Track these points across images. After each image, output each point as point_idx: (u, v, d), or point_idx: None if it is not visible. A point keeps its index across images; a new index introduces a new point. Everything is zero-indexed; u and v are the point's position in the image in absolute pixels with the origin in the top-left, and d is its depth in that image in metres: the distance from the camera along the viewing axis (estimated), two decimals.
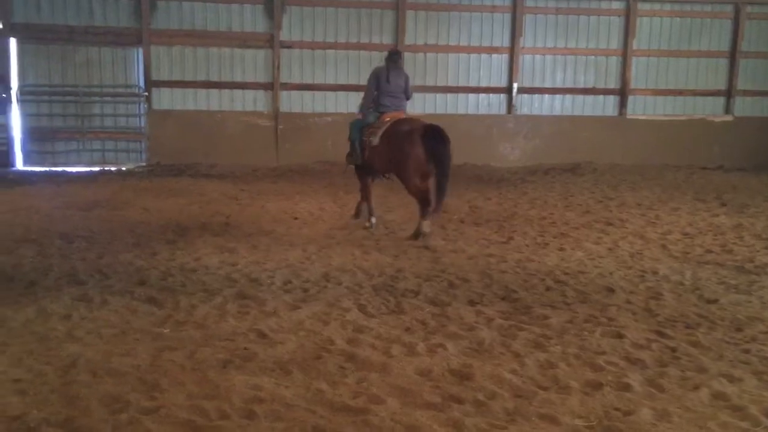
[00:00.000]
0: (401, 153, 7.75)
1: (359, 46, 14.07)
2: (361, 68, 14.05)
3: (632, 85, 15.01)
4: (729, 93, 15.23)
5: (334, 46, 14.07)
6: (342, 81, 14.18)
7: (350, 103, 14.06)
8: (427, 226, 7.70)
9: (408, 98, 8.69)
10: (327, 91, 14.21)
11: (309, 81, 14.20)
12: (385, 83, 8.40)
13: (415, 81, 14.33)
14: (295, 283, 5.99)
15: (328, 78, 14.14)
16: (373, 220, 8.50)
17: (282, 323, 4.91)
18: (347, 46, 14.02)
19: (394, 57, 8.50)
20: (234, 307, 5.28)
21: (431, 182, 7.73)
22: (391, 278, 6.18)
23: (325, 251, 7.20)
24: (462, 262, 6.82)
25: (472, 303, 5.48)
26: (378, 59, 14.09)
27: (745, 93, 15.30)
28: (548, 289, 5.93)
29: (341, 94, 14.25)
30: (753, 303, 5.59)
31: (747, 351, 4.50)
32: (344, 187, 11.41)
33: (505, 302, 5.52)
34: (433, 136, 7.60)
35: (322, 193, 10.90)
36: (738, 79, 15.19)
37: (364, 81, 13.64)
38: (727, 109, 15.30)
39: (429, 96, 14.56)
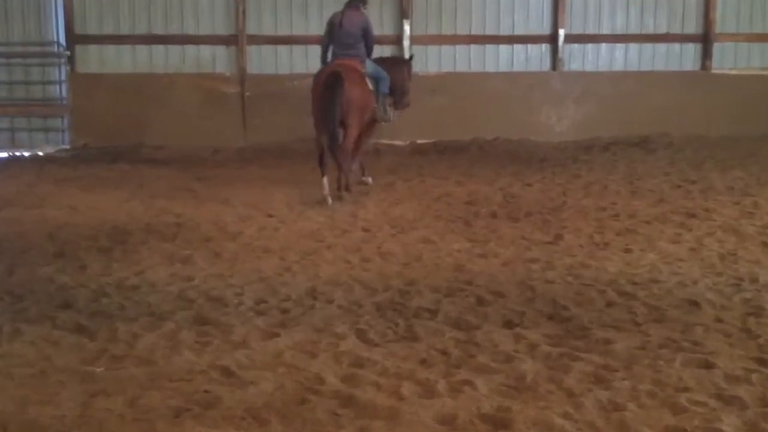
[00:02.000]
0: (312, 102, 9.69)
1: None
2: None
3: (719, 28, 14.94)
4: None
5: None
6: None
7: None
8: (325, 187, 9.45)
9: (368, 47, 10.09)
10: (309, 45, 14.14)
11: (285, 32, 14.17)
12: (337, 29, 9.88)
13: (427, 29, 14.37)
14: (271, 302, 5.96)
15: (310, 28, 14.09)
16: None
17: (254, 357, 4.89)
18: None
19: (351, 0, 9.97)
20: (190, 335, 5.26)
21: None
22: (400, 293, 6.15)
23: (310, 259, 7.18)
24: (495, 271, 6.78)
25: (508, 325, 5.45)
26: (377, 3, 14.09)
27: None
28: (610, 304, 5.89)
29: None
30: None
31: None
32: (335, 172, 11.39)
33: (553, 323, 5.49)
34: (329, 84, 9.27)
35: (306, 182, 10.84)
36: None
37: None
38: None
39: (446, 49, 14.52)
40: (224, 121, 14.06)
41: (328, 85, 9.34)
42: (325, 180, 9.50)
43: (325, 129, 9.43)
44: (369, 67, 10.25)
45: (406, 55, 13.74)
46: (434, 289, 6.25)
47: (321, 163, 9.58)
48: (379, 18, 14.11)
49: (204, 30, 14.04)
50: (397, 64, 11.34)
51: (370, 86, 10.10)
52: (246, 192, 10.26)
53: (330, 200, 9.43)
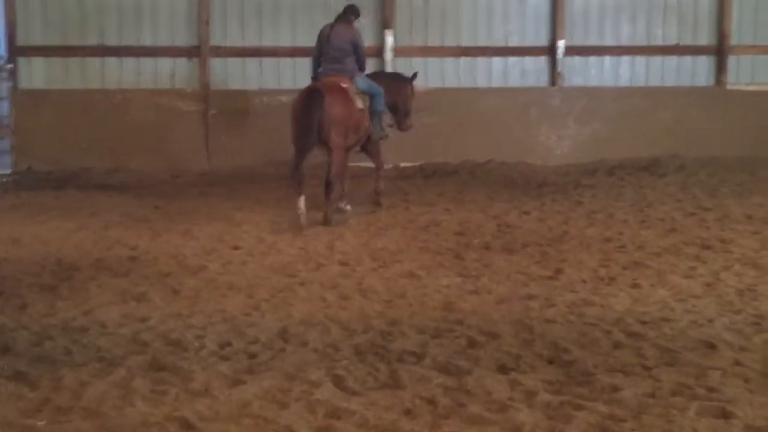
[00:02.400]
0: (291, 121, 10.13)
1: None
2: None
3: (734, 40, 15.10)
4: None
5: None
6: (302, 42, 14.16)
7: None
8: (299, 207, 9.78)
9: (359, 62, 10.62)
10: (281, 58, 14.23)
11: (253, 43, 14.21)
12: (326, 44, 10.48)
13: (412, 40, 14.44)
14: (237, 345, 5.92)
15: (281, 38, 14.15)
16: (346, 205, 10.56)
17: (217, 407, 4.84)
18: None
19: (343, 12, 10.62)
20: (144, 383, 5.20)
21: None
22: (382, 335, 6.12)
23: (281, 296, 7.16)
24: (488, 309, 6.77)
25: (503, 369, 5.43)
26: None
27: None
28: (617, 346, 5.89)
29: (301, 61, 14.25)
30: None
31: None
32: (311, 199, 11.38)
33: (554, 367, 5.48)
34: (307, 103, 9.86)
35: (277, 210, 10.87)
36: None
37: None
38: None
39: (433, 62, 14.59)
40: (185, 142, 14.05)
41: (306, 104, 9.83)
42: (302, 199, 9.74)
43: (296, 147, 9.93)
44: (360, 83, 10.63)
45: (389, 69, 13.84)
46: (420, 330, 6.22)
47: (296, 181, 9.85)
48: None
49: (162, 41, 14.05)
50: (399, 82, 11.66)
51: (360, 104, 10.48)
52: (209, 222, 10.22)
53: (305, 220, 9.70)
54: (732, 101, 15.11)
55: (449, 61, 14.67)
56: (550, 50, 14.81)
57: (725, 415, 4.71)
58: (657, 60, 15.08)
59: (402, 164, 14.16)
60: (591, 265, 8.20)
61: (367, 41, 14.06)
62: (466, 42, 14.64)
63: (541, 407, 4.83)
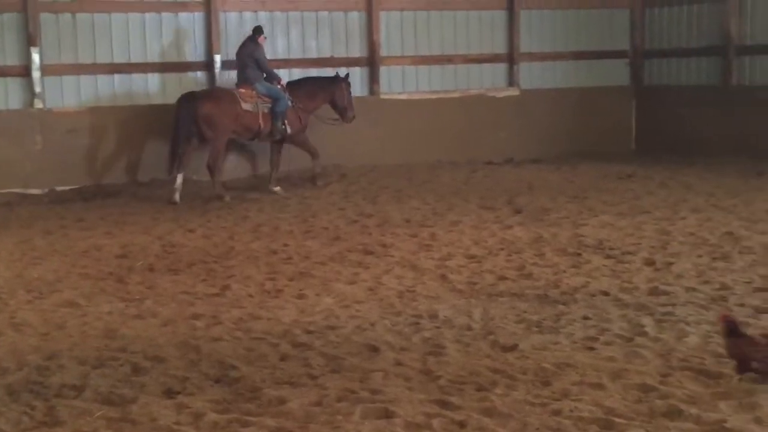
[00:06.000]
0: None
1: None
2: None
3: (384, 51, 15.83)
4: (511, 57, 16.67)
5: None
6: None
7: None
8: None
9: (262, 71, 13.23)
10: None
11: None
12: (236, 59, 13.51)
13: (61, 58, 14.00)
14: None
15: None
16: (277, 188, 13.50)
17: None
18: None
19: (252, 31, 13.42)
20: None
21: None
22: (39, 370, 5.89)
23: None
24: (153, 333, 6.69)
25: (169, 394, 5.40)
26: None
27: (532, 57, 16.85)
28: (284, 358, 6.01)
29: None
30: (562, 344, 6.11)
31: (557, 412, 4.90)
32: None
33: (221, 386, 5.50)
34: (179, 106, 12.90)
35: None
36: (520, 37, 16.67)
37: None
38: (511, 81, 16.74)
39: (86, 80, 14.15)
40: None
41: (181, 105, 12.79)
42: (180, 178, 12.74)
43: (172, 138, 12.82)
44: (260, 88, 13.19)
45: (37, 88, 13.44)
46: (81, 362, 6.05)
47: (174, 164, 12.77)
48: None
49: None
50: (333, 83, 14.02)
51: (248, 106, 13.01)
52: None
53: (177, 196, 12.58)
54: (386, 110, 15.79)
55: (103, 78, 14.24)
56: (208, 65, 14.78)
57: (388, 414, 4.94)
58: (312, 72, 15.43)
59: (58, 188, 13.56)
60: (258, 278, 8.34)
61: (11, 60, 13.57)
62: (119, 58, 14.26)
63: (208, 428, 4.84)
